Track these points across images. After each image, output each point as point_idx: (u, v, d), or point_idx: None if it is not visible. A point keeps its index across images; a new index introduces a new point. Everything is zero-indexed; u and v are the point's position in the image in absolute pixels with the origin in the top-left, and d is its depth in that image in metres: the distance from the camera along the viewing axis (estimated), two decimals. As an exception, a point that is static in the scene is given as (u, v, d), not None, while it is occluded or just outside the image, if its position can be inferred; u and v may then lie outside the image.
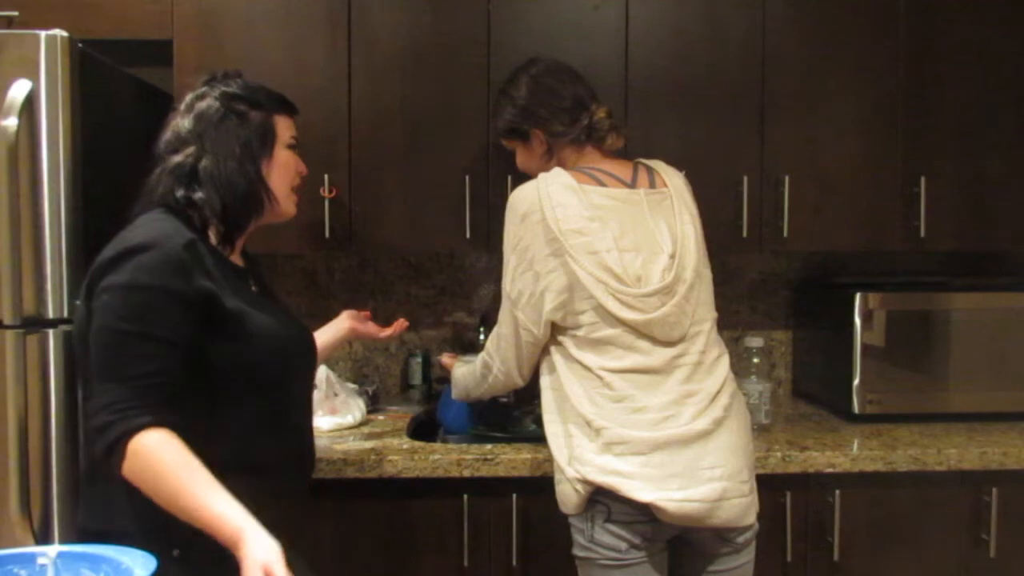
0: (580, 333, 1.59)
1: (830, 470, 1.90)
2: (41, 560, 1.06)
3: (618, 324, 1.56)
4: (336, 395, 2.15)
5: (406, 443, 1.98)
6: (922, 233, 2.17)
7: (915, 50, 2.18)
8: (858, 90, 2.18)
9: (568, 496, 1.57)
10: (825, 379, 2.39)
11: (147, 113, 2.11)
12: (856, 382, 2.19)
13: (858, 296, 2.18)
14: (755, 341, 2.17)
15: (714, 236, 1.78)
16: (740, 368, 2.08)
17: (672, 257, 1.60)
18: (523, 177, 1.75)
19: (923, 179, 2.16)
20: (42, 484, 1.74)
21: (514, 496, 1.87)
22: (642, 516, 1.52)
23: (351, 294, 2.52)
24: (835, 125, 2.18)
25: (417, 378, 2.49)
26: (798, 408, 2.42)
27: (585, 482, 1.53)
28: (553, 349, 1.64)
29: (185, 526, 1.20)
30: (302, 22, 2.11)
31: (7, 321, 1.72)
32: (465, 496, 1.87)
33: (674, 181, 1.70)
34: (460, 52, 2.13)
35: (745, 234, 2.15)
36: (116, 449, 1.22)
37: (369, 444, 1.97)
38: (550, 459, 1.63)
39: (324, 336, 1.83)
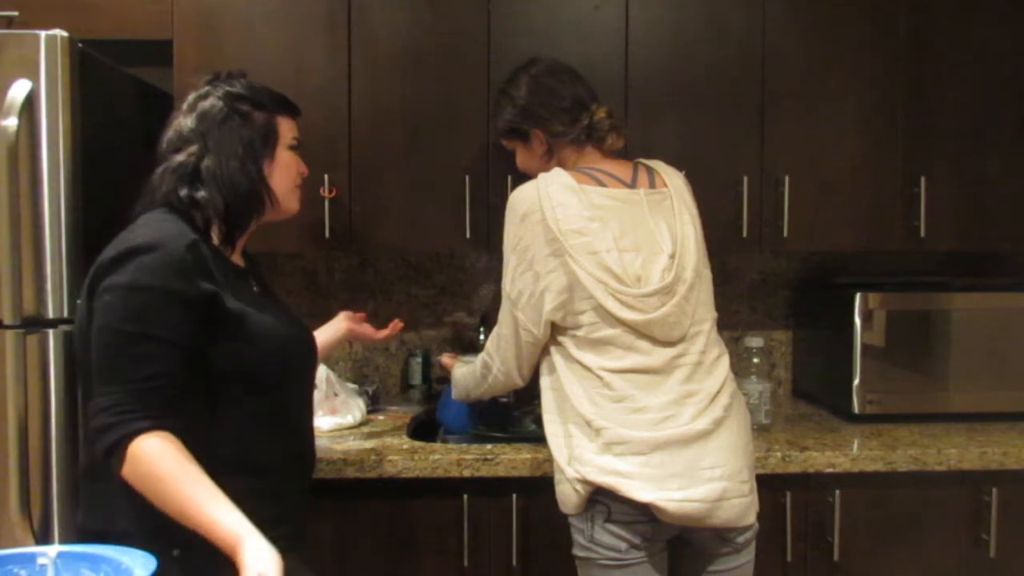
0: (580, 333, 1.59)
1: (830, 470, 1.90)
2: (41, 560, 1.06)
3: (618, 324, 1.56)
4: (336, 395, 2.15)
5: (406, 443, 1.98)
6: (922, 233, 2.17)
7: (915, 50, 2.18)
8: (858, 90, 2.18)
9: (568, 496, 1.57)
10: (825, 379, 2.39)
11: (147, 113, 2.12)
12: (856, 382, 2.19)
13: (858, 296, 2.18)
14: (755, 341, 2.17)
15: (714, 236, 1.78)
16: (740, 368, 2.08)
17: (672, 257, 1.60)
18: (523, 177, 1.75)
19: (923, 179, 2.16)
20: (42, 484, 1.74)
21: (514, 496, 1.87)
22: (642, 516, 1.52)
23: (351, 294, 2.52)
24: (835, 125, 2.18)
25: (417, 378, 2.49)
26: (798, 408, 2.42)
27: (585, 482, 1.53)
28: (553, 349, 1.64)
29: (186, 527, 1.20)
30: (302, 22, 2.11)
31: (7, 321, 1.72)
32: (465, 496, 1.87)
33: (674, 181, 1.70)
34: (460, 52, 2.13)
35: (745, 234, 2.15)
36: (116, 452, 1.22)
37: (369, 444, 1.97)
38: (550, 459, 1.63)
39: (322, 336, 1.83)
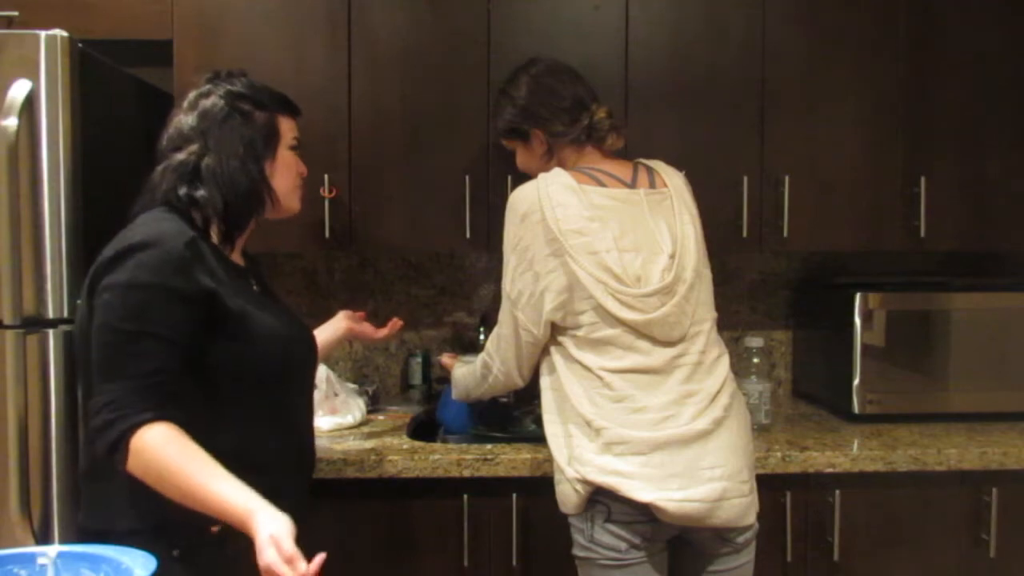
0: (580, 333, 1.59)
1: (830, 470, 1.90)
2: (41, 560, 1.06)
3: (618, 324, 1.56)
4: (336, 395, 2.15)
5: (406, 443, 1.98)
6: (922, 233, 2.17)
7: (915, 50, 2.18)
8: (858, 90, 2.18)
9: (568, 496, 1.57)
10: (825, 379, 2.39)
11: (147, 113, 2.12)
12: (856, 382, 2.19)
13: (858, 296, 2.18)
14: (755, 341, 2.17)
15: (714, 236, 1.78)
16: (740, 368, 2.08)
17: (672, 257, 1.60)
18: (523, 177, 1.75)
19: (923, 179, 2.16)
20: (42, 484, 1.74)
21: (514, 496, 1.87)
22: (642, 516, 1.52)
23: (351, 294, 2.52)
24: (835, 125, 2.18)
25: (417, 378, 2.49)
26: (798, 408, 2.42)
27: (585, 482, 1.53)
28: (553, 349, 1.64)
29: (186, 527, 1.20)
30: (302, 22, 2.11)
31: (7, 321, 1.72)
32: (465, 496, 1.87)
33: (674, 181, 1.70)
34: (460, 52, 2.13)
35: (745, 234, 2.15)
36: (119, 447, 1.22)
37: (369, 444, 1.97)
38: (550, 459, 1.63)
39: (321, 335, 1.83)
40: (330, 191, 2.10)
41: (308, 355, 1.55)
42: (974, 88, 2.19)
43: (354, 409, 2.16)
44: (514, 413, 2.23)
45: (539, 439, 1.76)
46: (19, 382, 1.71)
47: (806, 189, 2.17)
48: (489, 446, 1.94)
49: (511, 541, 1.87)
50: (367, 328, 1.93)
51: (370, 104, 2.13)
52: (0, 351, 1.72)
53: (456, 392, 1.94)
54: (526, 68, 1.78)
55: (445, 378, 2.18)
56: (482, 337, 2.37)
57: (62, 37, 1.76)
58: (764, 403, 2.11)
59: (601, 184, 1.64)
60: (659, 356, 1.57)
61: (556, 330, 1.62)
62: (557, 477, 1.61)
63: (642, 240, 1.60)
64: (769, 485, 1.82)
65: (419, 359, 2.49)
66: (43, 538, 1.74)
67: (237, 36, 2.10)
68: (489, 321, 2.03)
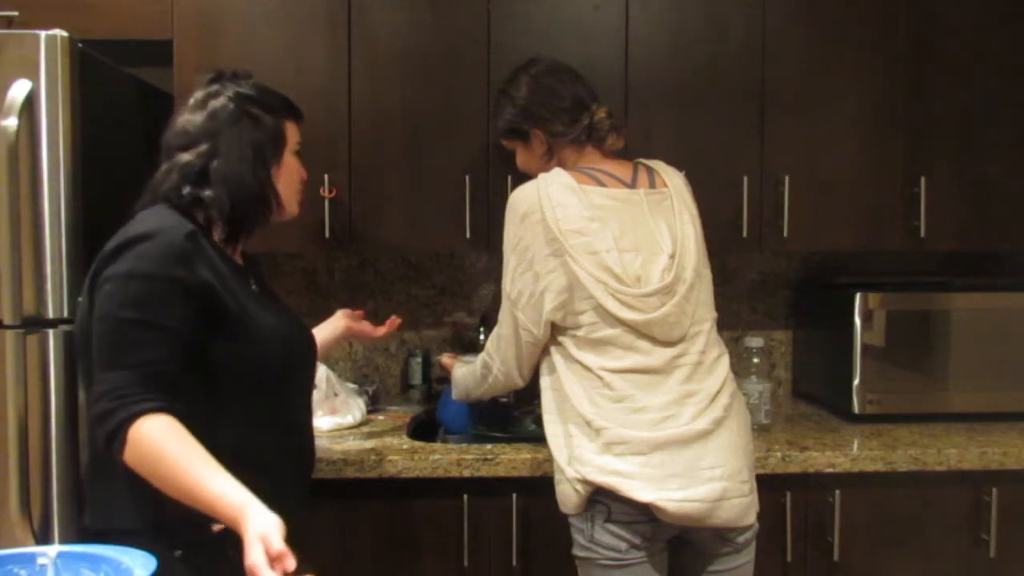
0: (580, 333, 1.59)
1: (830, 470, 1.90)
2: (41, 560, 1.06)
3: (618, 324, 1.56)
4: (336, 395, 2.15)
5: (406, 443, 1.98)
6: (922, 233, 2.17)
7: (915, 50, 2.18)
8: (858, 90, 2.18)
9: (568, 496, 1.57)
10: (825, 379, 2.39)
11: (147, 113, 2.12)
12: (856, 382, 2.19)
13: (858, 296, 2.18)
14: (755, 341, 2.17)
15: (714, 236, 1.78)
16: (740, 368, 2.08)
17: (672, 257, 1.60)
18: (523, 177, 1.75)
19: (923, 179, 2.16)
20: (42, 484, 1.74)
21: (514, 496, 1.87)
22: (642, 516, 1.52)
23: (351, 294, 2.52)
24: (835, 125, 2.18)
25: (417, 378, 2.49)
26: (798, 408, 2.42)
27: (585, 482, 1.53)
28: (553, 349, 1.64)
29: (187, 527, 1.20)
30: (302, 22, 2.11)
31: (7, 321, 1.72)
32: (465, 496, 1.87)
33: (674, 181, 1.70)
34: (460, 52, 2.13)
35: (745, 234, 2.15)
36: (117, 436, 1.22)
37: (369, 444, 1.97)
38: (550, 459, 1.63)
39: (320, 335, 1.82)
40: (330, 191, 2.10)
41: (308, 355, 1.55)
42: (974, 88, 2.19)
43: (354, 409, 2.16)
44: (514, 413, 2.23)
45: (539, 439, 1.77)
46: (19, 382, 1.71)
47: (806, 189, 2.17)
48: (489, 446, 1.94)
49: (511, 541, 1.87)
50: (366, 327, 1.93)
51: (370, 104, 2.13)
52: (0, 351, 1.72)
53: (456, 392, 1.94)
54: (526, 68, 1.78)
55: (445, 378, 2.18)
56: (482, 337, 2.37)
57: (62, 37, 1.76)
58: (764, 403, 2.11)
59: (601, 184, 1.64)
60: (659, 356, 1.57)
61: (556, 330, 1.62)
62: (557, 477, 1.61)
63: (642, 240, 1.60)
64: (769, 485, 1.82)
65: (419, 359, 2.49)
66: (43, 538, 1.74)
67: (237, 36, 2.10)
68: (489, 321, 2.03)
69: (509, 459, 1.86)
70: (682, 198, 1.68)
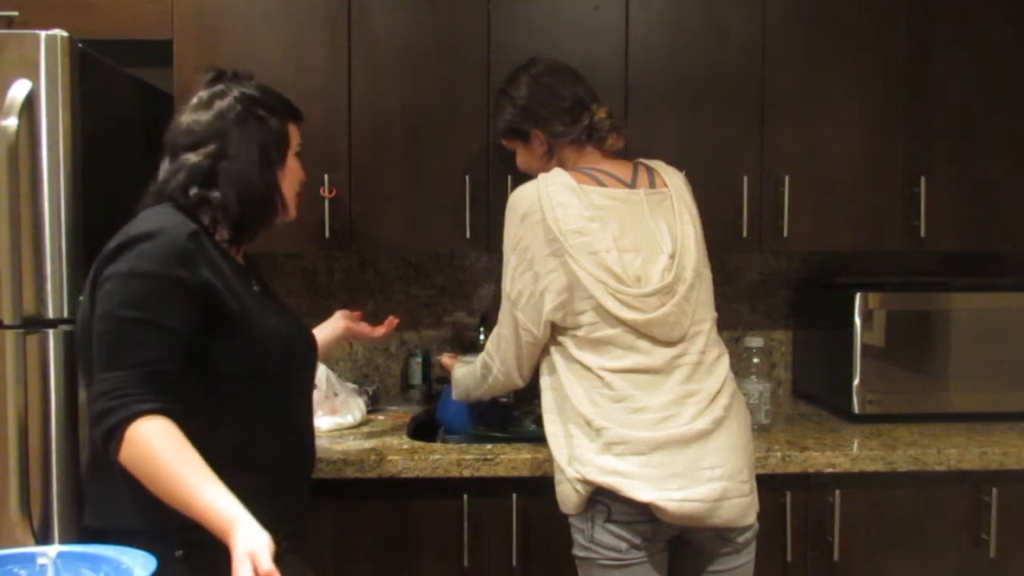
0: (580, 333, 1.58)
1: (830, 470, 1.90)
2: (41, 560, 1.06)
3: (618, 324, 1.56)
4: (336, 395, 2.15)
5: (406, 443, 1.98)
6: (922, 233, 2.17)
7: (915, 50, 2.18)
8: (858, 90, 2.18)
9: (568, 496, 1.57)
10: (825, 379, 2.39)
11: (147, 113, 2.12)
12: (856, 382, 2.19)
13: (858, 296, 2.18)
14: (755, 341, 2.17)
15: (714, 236, 1.78)
16: (740, 368, 2.08)
17: (672, 257, 1.60)
18: (523, 177, 1.75)
19: (923, 179, 2.16)
20: (42, 484, 1.74)
21: (514, 496, 1.87)
22: (642, 516, 1.52)
23: (351, 294, 2.52)
24: (835, 125, 2.18)
25: (417, 378, 2.49)
26: (798, 408, 2.42)
27: (585, 482, 1.53)
28: (553, 349, 1.64)
29: (189, 527, 1.20)
30: (302, 22, 2.11)
31: (7, 321, 1.72)
32: (465, 496, 1.87)
33: (674, 181, 1.70)
34: (460, 52, 2.13)
35: (745, 234, 2.15)
36: (114, 435, 1.22)
37: (369, 444, 1.97)
38: (550, 459, 1.63)
39: (320, 335, 1.82)
40: (330, 191, 2.10)
41: (308, 355, 1.55)
42: (974, 88, 2.19)
43: (354, 409, 2.16)
44: (514, 413, 2.23)
45: (539, 439, 1.77)
46: (19, 382, 1.71)
47: (806, 189, 2.17)
48: (489, 446, 1.94)
49: (511, 541, 1.87)
50: (364, 327, 1.93)
51: (370, 104, 2.13)
52: (0, 351, 1.72)
53: (456, 392, 1.94)
54: (526, 68, 1.78)
55: (445, 378, 2.18)
56: (482, 337, 2.37)
57: (62, 37, 1.76)
58: (764, 403, 2.11)
59: (601, 184, 1.64)
60: (659, 356, 1.57)
61: (556, 330, 1.62)
62: (557, 477, 1.61)
63: (642, 240, 1.60)
64: (769, 485, 1.82)
65: (419, 359, 2.49)
66: (43, 538, 1.74)
67: (237, 36, 2.10)
68: (489, 321, 2.03)
69: (509, 459, 1.86)
70: (682, 198, 1.68)
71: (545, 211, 1.58)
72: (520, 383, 1.73)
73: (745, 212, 2.15)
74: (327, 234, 2.10)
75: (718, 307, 1.69)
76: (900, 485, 1.94)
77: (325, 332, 1.86)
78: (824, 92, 2.17)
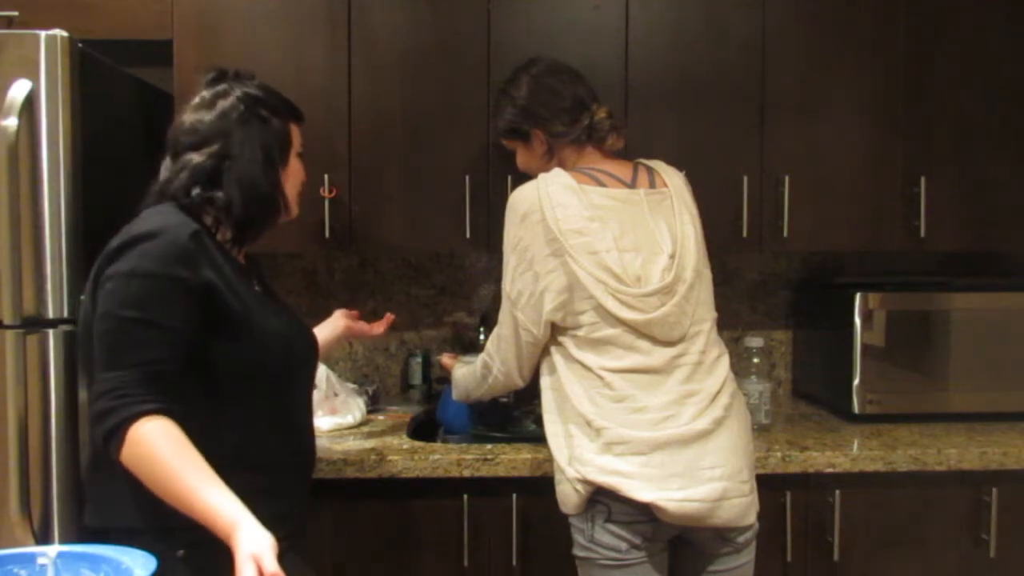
0: (580, 333, 1.59)
1: (830, 470, 1.90)
2: (41, 560, 1.06)
3: (618, 324, 1.56)
4: (336, 395, 2.15)
5: (406, 443, 1.98)
6: (922, 233, 2.17)
7: (915, 50, 2.18)
8: (858, 90, 2.18)
9: (568, 496, 1.57)
10: (825, 379, 2.39)
11: (147, 113, 2.12)
12: (856, 382, 2.19)
13: (858, 296, 2.18)
14: (755, 341, 2.17)
15: (714, 236, 1.78)
16: (740, 368, 2.08)
17: (672, 257, 1.60)
18: (523, 177, 1.75)
19: (923, 179, 2.16)
20: (42, 484, 1.74)
21: (514, 496, 1.87)
22: (642, 516, 1.52)
23: (351, 294, 2.52)
24: (835, 125, 2.18)
25: (417, 378, 2.49)
26: (798, 408, 2.42)
27: (585, 482, 1.53)
28: (553, 349, 1.64)
29: (190, 527, 1.20)
30: (302, 22, 2.11)
31: (7, 321, 1.72)
32: (465, 496, 1.87)
33: (674, 181, 1.70)
34: (460, 52, 2.13)
35: (745, 234, 2.15)
36: (116, 435, 1.22)
37: (369, 444, 1.97)
38: (550, 459, 1.63)
39: (320, 335, 1.82)
40: (330, 191, 2.10)
41: (309, 354, 1.55)
42: (974, 88, 2.19)
43: (354, 409, 2.16)
44: (514, 413, 2.23)
45: (539, 439, 1.77)
46: (19, 382, 1.71)
47: (806, 189, 2.17)
48: (489, 446, 1.94)
49: (511, 541, 1.87)
50: (363, 325, 1.94)
51: (370, 104, 2.13)
52: (0, 351, 1.72)
53: (456, 392, 1.94)
54: (526, 68, 1.78)
55: (445, 378, 2.18)
56: (482, 337, 2.37)
57: (62, 37, 1.76)
58: (764, 403, 2.11)
59: (601, 184, 1.64)
60: (659, 356, 1.57)
61: (556, 330, 1.62)
62: (557, 477, 1.61)
63: (642, 240, 1.60)
64: (769, 485, 1.82)
65: (419, 359, 2.49)
66: (43, 538, 1.74)
67: (237, 36, 2.10)
68: (489, 321, 2.03)
69: (509, 459, 1.86)
70: (682, 198, 1.68)
71: (545, 211, 1.58)
72: (520, 383, 1.73)
73: (745, 212, 2.15)
74: (327, 234, 2.10)
75: (718, 307, 1.69)
76: (900, 485, 1.94)
77: (325, 332, 1.87)
78: (824, 92, 2.17)
